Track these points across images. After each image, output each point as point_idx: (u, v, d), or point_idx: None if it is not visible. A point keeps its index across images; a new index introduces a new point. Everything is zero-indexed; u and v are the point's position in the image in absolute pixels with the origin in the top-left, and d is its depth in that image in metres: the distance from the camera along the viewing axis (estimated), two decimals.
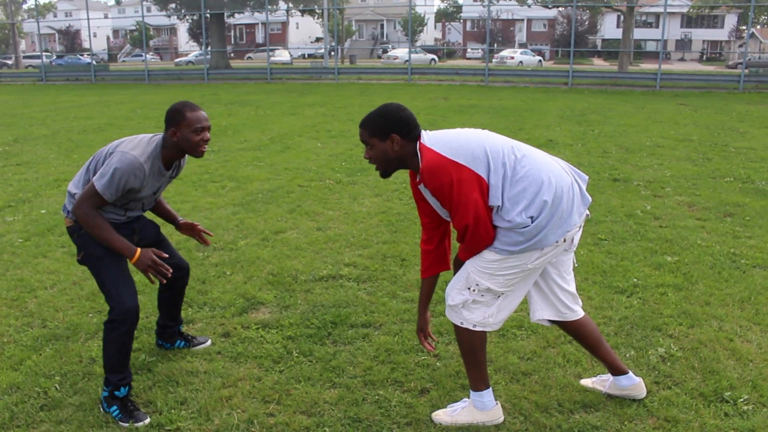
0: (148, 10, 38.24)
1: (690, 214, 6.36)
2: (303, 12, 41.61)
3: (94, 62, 35.59)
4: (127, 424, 2.91)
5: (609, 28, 61.92)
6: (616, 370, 3.06)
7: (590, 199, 2.80)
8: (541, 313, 2.95)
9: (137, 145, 2.90)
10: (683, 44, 62.01)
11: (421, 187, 2.70)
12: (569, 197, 2.67)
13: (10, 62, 50.00)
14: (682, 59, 59.19)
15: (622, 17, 34.23)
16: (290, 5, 39.18)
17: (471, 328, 2.81)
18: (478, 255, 2.73)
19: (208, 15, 33.74)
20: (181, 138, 2.89)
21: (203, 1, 31.15)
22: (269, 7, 32.36)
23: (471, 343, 2.84)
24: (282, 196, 7.15)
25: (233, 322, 3.95)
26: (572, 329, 3.02)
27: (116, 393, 2.99)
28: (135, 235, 3.18)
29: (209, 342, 3.69)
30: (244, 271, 4.84)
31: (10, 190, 7.57)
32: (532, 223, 2.58)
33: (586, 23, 58.20)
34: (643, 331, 3.80)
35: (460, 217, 2.59)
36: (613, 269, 4.82)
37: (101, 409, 3.03)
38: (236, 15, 43.11)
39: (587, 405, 3.06)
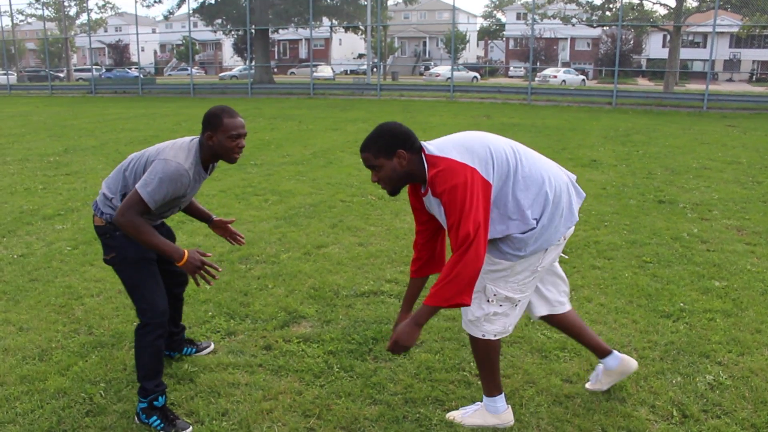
0: (195, 25, 39.04)
1: (739, 238, 6.21)
2: (347, 28, 42.06)
3: (141, 75, 36.48)
4: None
5: (654, 47, 61.13)
6: (603, 352, 3.18)
7: (584, 194, 2.91)
8: (539, 309, 3.09)
9: (179, 151, 2.92)
10: (732, 64, 60.84)
11: (428, 198, 2.72)
12: (567, 194, 2.78)
13: (62, 75, 51.46)
14: (730, 80, 58.06)
15: (668, 36, 33.75)
16: (334, 22, 39.64)
17: (492, 338, 2.89)
18: (490, 268, 2.76)
19: (253, 31, 34.30)
20: (216, 143, 2.92)
21: (248, 17, 31.71)
22: (313, 23, 32.78)
23: (487, 352, 2.93)
24: (324, 210, 7.20)
25: (275, 335, 3.97)
26: (557, 321, 3.17)
27: (155, 403, 3.03)
28: None
29: (212, 346, 3.78)
30: (285, 284, 4.87)
31: (60, 199, 7.77)
32: (537, 224, 2.67)
33: (631, 42, 57.56)
34: (690, 357, 3.71)
35: (471, 220, 2.52)
36: (659, 293, 4.72)
37: (137, 421, 3.04)
38: (280, 31, 43.74)
39: (632, 430, 2.99)
